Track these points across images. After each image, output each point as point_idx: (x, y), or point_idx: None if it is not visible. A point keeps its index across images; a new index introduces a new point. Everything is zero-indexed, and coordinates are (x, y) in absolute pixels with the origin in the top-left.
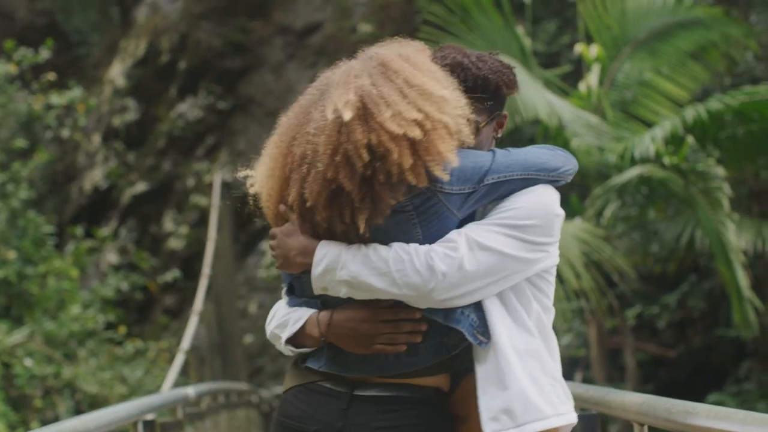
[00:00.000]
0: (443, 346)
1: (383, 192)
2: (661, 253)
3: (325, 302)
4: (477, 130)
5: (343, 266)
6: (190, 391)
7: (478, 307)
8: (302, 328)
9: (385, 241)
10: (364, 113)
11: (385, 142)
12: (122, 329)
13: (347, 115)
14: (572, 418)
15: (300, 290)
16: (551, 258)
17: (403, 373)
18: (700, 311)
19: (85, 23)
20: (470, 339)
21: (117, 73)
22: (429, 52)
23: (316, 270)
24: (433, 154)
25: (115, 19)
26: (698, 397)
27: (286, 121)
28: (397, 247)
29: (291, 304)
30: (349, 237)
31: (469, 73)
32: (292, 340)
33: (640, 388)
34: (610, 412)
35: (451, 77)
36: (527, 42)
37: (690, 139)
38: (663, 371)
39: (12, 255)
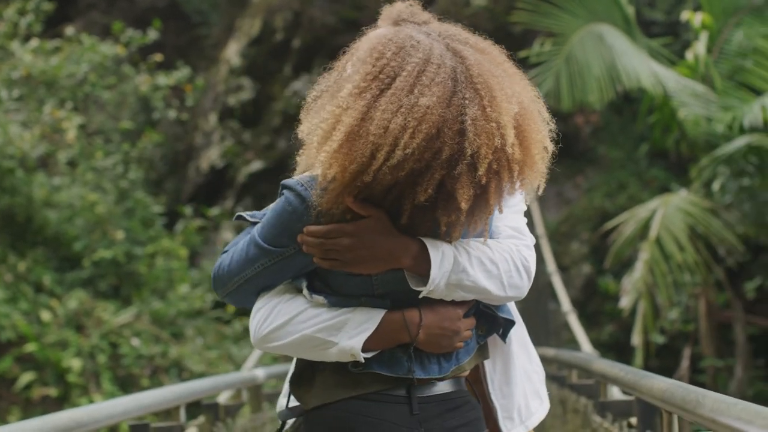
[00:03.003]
0: (477, 337)
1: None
2: None
3: (395, 301)
4: None
5: (463, 270)
6: (260, 373)
7: None
8: (377, 331)
9: None
10: (520, 131)
11: (527, 162)
12: (230, 308)
13: (512, 133)
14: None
15: (344, 287)
16: None
17: (456, 368)
18: None
19: (205, 3)
20: (506, 332)
21: (232, 52)
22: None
23: (435, 272)
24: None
25: None
26: None
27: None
28: (495, 246)
29: (334, 303)
30: (431, 235)
31: None
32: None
33: (751, 362)
34: (644, 398)
35: None
36: (630, 10)
37: None
38: None
39: (121, 235)
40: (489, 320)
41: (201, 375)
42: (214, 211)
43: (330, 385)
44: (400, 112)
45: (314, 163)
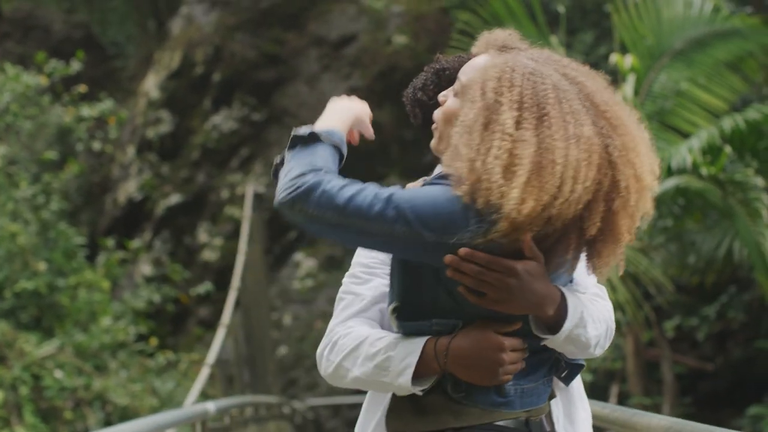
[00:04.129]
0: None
1: None
2: (699, 264)
3: (466, 324)
4: None
5: (584, 325)
6: (210, 406)
7: None
8: (421, 361)
9: None
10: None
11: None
12: (153, 341)
13: (645, 161)
14: None
15: (436, 304)
16: None
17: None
18: (740, 323)
19: (121, 35)
20: (572, 376)
21: (151, 85)
22: None
23: (568, 326)
24: None
25: (151, 31)
26: (739, 409)
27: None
28: (598, 305)
29: (407, 330)
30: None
31: None
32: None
33: (678, 401)
34: None
35: None
36: (562, 52)
37: (728, 150)
38: (702, 384)
39: (42, 267)
40: (553, 363)
41: (125, 408)
42: (135, 244)
43: (441, 414)
44: (573, 144)
45: (499, 198)
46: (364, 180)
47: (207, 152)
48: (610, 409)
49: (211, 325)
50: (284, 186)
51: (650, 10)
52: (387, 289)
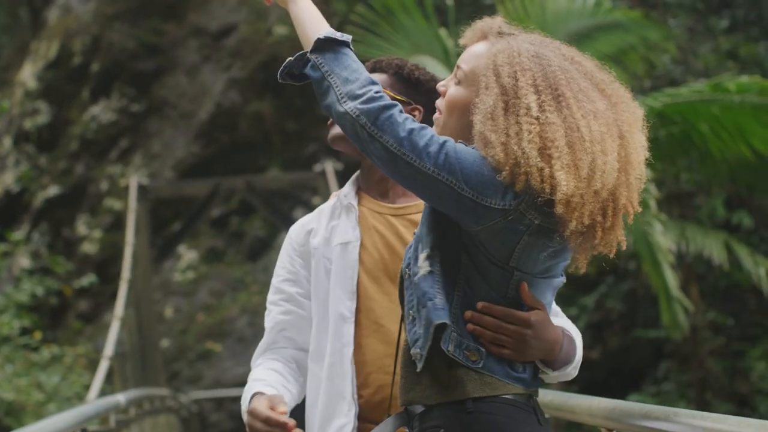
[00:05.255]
0: None
1: None
2: None
3: None
4: None
5: (580, 357)
6: (121, 398)
7: None
8: None
9: None
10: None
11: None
12: (38, 335)
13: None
14: None
15: None
16: None
17: None
18: (618, 313)
19: None
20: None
21: (28, 75)
22: None
23: (570, 369)
24: None
25: (24, 20)
26: (617, 397)
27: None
28: (574, 328)
29: None
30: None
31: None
32: None
33: (564, 388)
34: (574, 418)
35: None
36: (450, 43)
37: None
38: (581, 372)
39: None
40: None
41: (11, 403)
42: (16, 236)
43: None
44: (592, 119)
45: (540, 182)
46: (243, 171)
47: (86, 143)
48: (543, 392)
49: (91, 319)
50: (352, 93)
51: (535, 2)
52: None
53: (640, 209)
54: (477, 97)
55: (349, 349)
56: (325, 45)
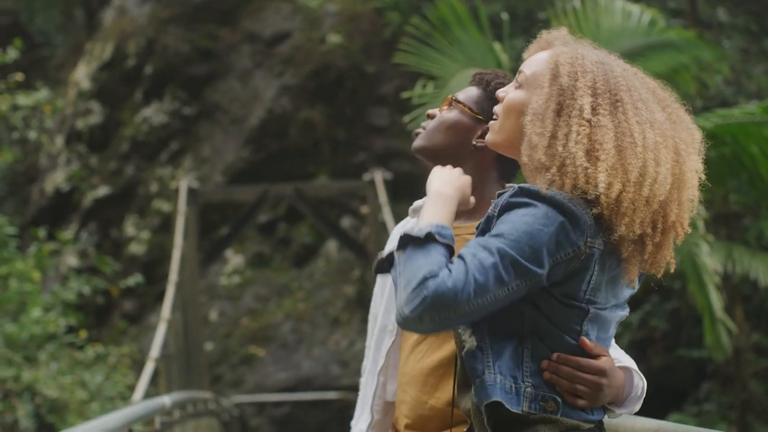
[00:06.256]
0: None
1: None
2: None
3: None
4: None
5: (642, 394)
6: (166, 400)
7: None
8: None
9: None
10: None
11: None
12: (83, 333)
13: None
14: None
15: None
16: None
17: None
18: (662, 331)
19: (49, 24)
20: None
21: (82, 75)
22: None
23: (634, 406)
24: None
25: (79, 20)
26: (659, 417)
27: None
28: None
29: None
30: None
31: None
32: None
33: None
34: None
35: None
36: (504, 57)
37: None
38: None
39: None
40: None
41: (55, 401)
42: (66, 235)
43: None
44: (648, 127)
45: (585, 182)
46: (291, 178)
47: (137, 145)
48: None
49: (135, 319)
50: (406, 300)
51: (590, 18)
52: None
53: (689, 230)
54: (528, 99)
55: (381, 362)
56: (407, 240)
